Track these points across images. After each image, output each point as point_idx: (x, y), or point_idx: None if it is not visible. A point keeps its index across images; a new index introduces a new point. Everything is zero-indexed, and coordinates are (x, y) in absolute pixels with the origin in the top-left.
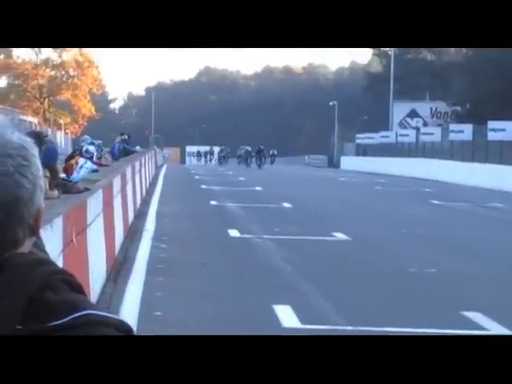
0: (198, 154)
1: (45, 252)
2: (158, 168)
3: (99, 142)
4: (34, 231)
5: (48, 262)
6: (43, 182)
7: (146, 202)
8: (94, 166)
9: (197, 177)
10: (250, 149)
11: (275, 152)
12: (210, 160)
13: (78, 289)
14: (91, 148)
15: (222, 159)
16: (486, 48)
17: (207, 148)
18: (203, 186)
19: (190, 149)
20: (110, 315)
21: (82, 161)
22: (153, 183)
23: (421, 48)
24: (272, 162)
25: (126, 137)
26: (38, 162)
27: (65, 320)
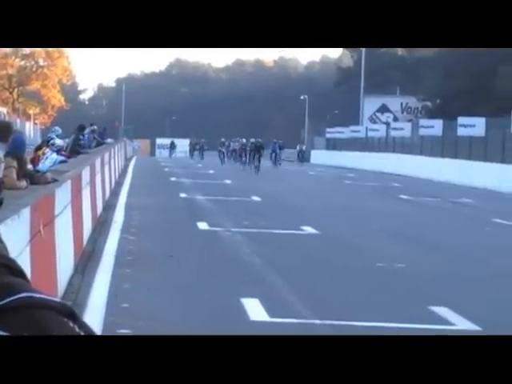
0: (172, 147)
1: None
2: (127, 160)
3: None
4: None
5: None
6: None
7: (115, 193)
8: (61, 157)
9: (166, 169)
10: (252, 140)
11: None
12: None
13: (19, 274)
14: (58, 141)
15: (198, 152)
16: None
17: (174, 140)
18: (173, 179)
19: (160, 141)
20: (50, 298)
21: (48, 152)
22: (122, 175)
23: None
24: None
25: (96, 127)
26: None
27: (2, 303)
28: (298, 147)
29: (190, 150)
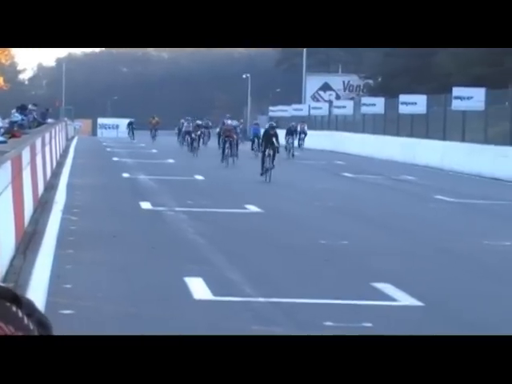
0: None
1: None
2: (68, 140)
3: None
4: None
5: None
6: None
7: (56, 174)
8: (1, 138)
9: (108, 149)
10: (199, 123)
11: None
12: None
13: None
14: None
15: (131, 132)
16: None
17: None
18: (115, 159)
19: (101, 121)
20: None
21: None
22: (63, 155)
23: None
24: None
25: (35, 107)
26: None
27: None
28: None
29: (129, 131)
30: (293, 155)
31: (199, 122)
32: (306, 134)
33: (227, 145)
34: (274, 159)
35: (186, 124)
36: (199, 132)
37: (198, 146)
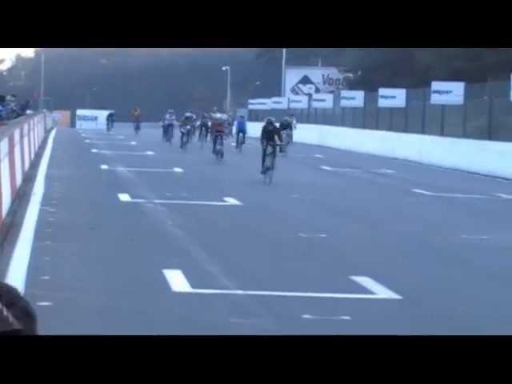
0: (111, 119)
1: None
2: (47, 131)
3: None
4: None
5: None
6: None
7: (34, 165)
8: None
9: (87, 140)
10: (188, 115)
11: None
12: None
13: None
14: None
15: (111, 124)
16: None
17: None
18: (94, 150)
19: (80, 112)
20: None
21: None
22: (42, 147)
23: None
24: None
25: (13, 98)
26: None
27: None
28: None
29: (108, 123)
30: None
31: (188, 114)
32: (295, 128)
33: (218, 140)
34: (274, 158)
35: (168, 117)
36: (189, 126)
37: (188, 140)
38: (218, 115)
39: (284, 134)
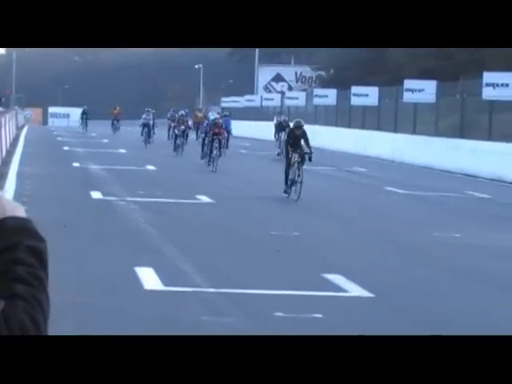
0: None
1: None
2: (19, 129)
3: None
4: None
5: None
6: None
7: (6, 162)
8: None
9: (59, 138)
10: (182, 113)
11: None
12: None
13: None
14: None
15: (85, 122)
16: None
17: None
18: (65, 148)
19: (52, 110)
20: None
21: None
22: (13, 144)
23: None
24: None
25: None
26: None
27: None
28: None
29: (82, 120)
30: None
31: (183, 112)
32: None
33: (215, 144)
34: (301, 168)
35: (145, 116)
36: (183, 127)
37: (183, 143)
38: (216, 116)
39: (282, 135)
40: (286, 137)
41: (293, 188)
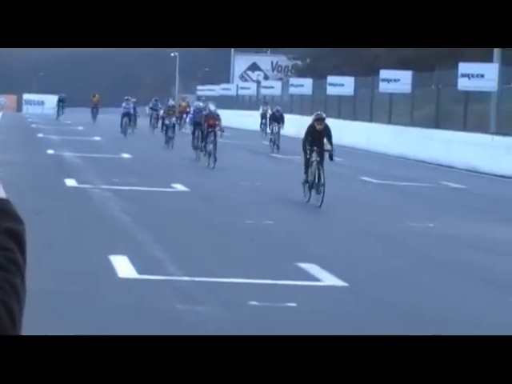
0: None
1: None
2: None
3: None
4: None
5: None
6: None
7: None
8: None
9: (34, 125)
10: (172, 103)
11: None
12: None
13: None
14: None
15: (61, 109)
16: None
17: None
18: (40, 135)
19: (27, 96)
20: None
21: None
22: None
23: None
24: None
25: None
26: None
27: None
28: None
29: (58, 108)
30: (278, 147)
31: (172, 102)
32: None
33: (210, 137)
34: (322, 169)
35: (124, 104)
36: (174, 118)
37: (173, 136)
38: (212, 107)
39: (276, 127)
40: (304, 134)
41: (312, 191)
